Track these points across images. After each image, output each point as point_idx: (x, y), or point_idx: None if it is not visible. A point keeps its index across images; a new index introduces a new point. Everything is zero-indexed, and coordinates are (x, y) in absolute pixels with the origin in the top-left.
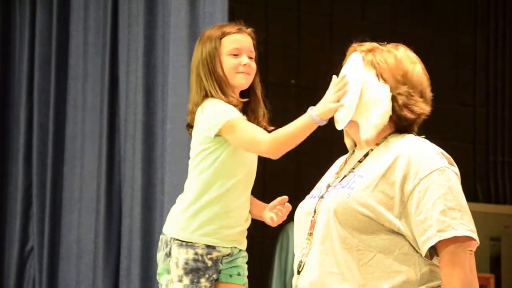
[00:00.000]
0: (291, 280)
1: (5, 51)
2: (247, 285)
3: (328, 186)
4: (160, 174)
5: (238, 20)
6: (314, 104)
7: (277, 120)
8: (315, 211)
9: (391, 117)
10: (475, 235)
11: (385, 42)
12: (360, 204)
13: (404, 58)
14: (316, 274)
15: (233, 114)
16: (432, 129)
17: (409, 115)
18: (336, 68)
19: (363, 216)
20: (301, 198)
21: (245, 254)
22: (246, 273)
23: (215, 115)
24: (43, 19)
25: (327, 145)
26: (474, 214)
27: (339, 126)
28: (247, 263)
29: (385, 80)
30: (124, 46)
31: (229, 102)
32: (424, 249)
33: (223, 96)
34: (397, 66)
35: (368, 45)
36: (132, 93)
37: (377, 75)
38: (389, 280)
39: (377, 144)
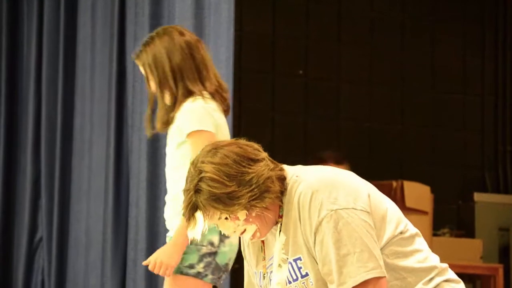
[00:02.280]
0: None
1: (14, 42)
2: None
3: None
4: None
5: (246, 10)
6: (321, 95)
7: (285, 110)
8: None
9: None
10: (375, 272)
11: None
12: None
13: (213, 169)
14: None
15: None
16: (440, 119)
17: (267, 194)
18: (343, 58)
19: None
20: None
21: None
22: None
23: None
24: (51, 10)
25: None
26: (483, 204)
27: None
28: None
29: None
30: (131, 37)
31: None
32: None
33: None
34: (225, 187)
35: None
36: (139, 84)
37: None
38: None
39: (281, 217)
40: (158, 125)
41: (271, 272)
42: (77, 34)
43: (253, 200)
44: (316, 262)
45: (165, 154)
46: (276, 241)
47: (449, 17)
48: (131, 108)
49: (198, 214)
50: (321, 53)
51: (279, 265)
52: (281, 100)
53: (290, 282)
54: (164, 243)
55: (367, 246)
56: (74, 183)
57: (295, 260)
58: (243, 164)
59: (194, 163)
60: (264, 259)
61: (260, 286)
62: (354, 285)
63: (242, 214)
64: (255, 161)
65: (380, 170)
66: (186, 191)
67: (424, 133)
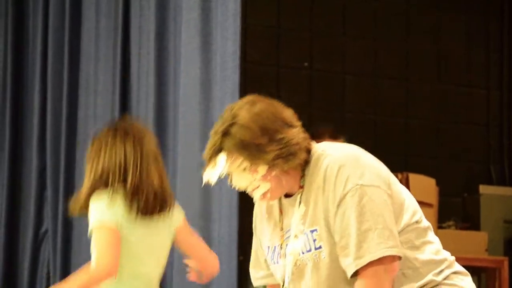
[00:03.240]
0: None
1: (19, 35)
2: None
3: (281, 245)
4: (172, 156)
5: (251, 3)
6: (326, 87)
7: (291, 102)
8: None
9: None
10: (395, 251)
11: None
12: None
13: (249, 117)
14: None
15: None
16: (445, 112)
17: (292, 158)
18: (348, 50)
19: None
20: None
21: None
22: None
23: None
24: (56, 3)
25: None
26: (489, 197)
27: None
28: None
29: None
30: (135, 29)
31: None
32: (348, 272)
33: None
34: (259, 137)
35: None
36: (144, 76)
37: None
38: None
39: (301, 187)
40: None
41: (287, 244)
42: (81, 27)
43: (278, 159)
44: (332, 236)
45: (171, 145)
46: (295, 212)
47: (453, 9)
48: (136, 99)
49: (221, 157)
50: (326, 45)
51: (295, 236)
52: (286, 93)
53: (303, 253)
54: None
55: (388, 224)
56: (79, 175)
57: (311, 232)
58: (278, 123)
59: (230, 108)
60: (282, 230)
61: (272, 260)
62: (371, 260)
63: (262, 169)
64: (289, 125)
65: (385, 163)
66: (214, 132)
67: (429, 125)
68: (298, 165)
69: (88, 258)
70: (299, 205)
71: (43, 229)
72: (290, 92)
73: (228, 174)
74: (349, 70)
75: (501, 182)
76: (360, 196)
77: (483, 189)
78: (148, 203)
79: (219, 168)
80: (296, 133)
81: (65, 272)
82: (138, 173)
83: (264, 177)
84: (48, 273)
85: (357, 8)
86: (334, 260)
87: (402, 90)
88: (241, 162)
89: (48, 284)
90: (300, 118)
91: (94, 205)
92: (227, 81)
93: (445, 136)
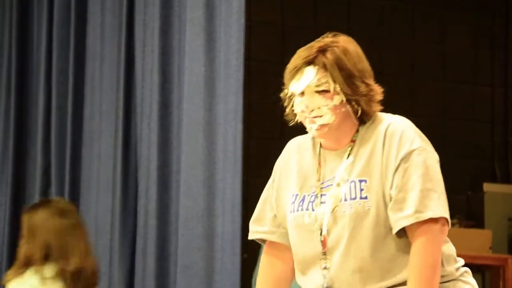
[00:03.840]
0: None
1: (24, 32)
2: None
3: (318, 194)
4: (176, 154)
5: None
6: None
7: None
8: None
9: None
10: (449, 219)
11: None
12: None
13: (355, 52)
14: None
15: None
16: (450, 109)
17: (374, 108)
18: None
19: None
20: None
21: None
22: None
23: None
24: (61, 0)
25: None
26: (493, 195)
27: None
28: None
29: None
30: (140, 26)
31: None
32: (398, 226)
33: None
34: (355, 65)
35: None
36: (148, 73)
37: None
38: None
39: (353, 141)
40: None
41: (324, 194)
42: (87, 24)
43: (360, 96)
44: (382, 190)
45: (175, 143)
46: (344, 162)
47: (459, 7)
48: (140, 97)
49: (310, 69)
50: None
51: (338, 184)
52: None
53: (346, 200)
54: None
55: (444, 192)
56: (84, 172)
57: (360, 181)
58: (369, 71)
59: (331, 34)
60: (319, 181)
61: (300, 207)
62: (431, 217)
63: (337, 100)
64: (373, 79)
65: None
66: (309, 47)
67: (433, 123)
68: (360, 117)
69: None
70: (348, 157)
71: None
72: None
73: (302, 92)
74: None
75: (506, 180)
76: (425, 157)
77: (487, 187)
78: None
79: (305, 81)
80: (377, 87)
81: None
82: (59, 253)
83: (334, 109)
84: None
85: (362, 5)
86: (379, 214)
87: (406, 88)
88: (325, 81)
89: None
90: None
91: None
92: (231, 79)
93: (449, 134)
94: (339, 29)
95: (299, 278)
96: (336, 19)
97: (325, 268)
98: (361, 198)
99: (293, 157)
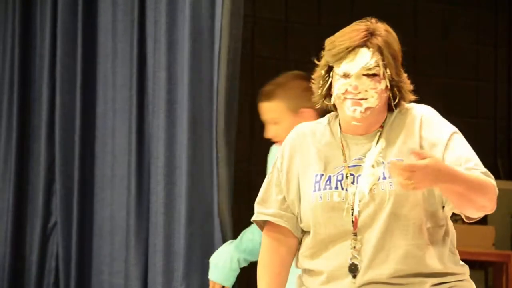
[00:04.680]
0: None
1: (27, 26)
2: None
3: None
4: (180, 151)
5: None
6: None
7: None
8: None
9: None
10: None
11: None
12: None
13: (396, 38)
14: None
15: None
16: (453, 106)
17: (409, 96)
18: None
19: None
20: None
21: None
22: None
23: None
24: None
25: None
26: None
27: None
28: None
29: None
30: (151, 23)
31: None
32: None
33: None
34: (399, 51)
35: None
36: (159, 70)
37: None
38: None
39: (381, 127)
40: None
41: (355, 175)
42: (97, 21)
43: (402, 82)
44: None
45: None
46: (374, 146)
47: (462, 3)
48: (152, 94)
49: (364, 50)
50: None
51: (373, 166)
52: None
53: (385, 178)
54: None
55: None
56: (98, 169)
57: (398, 161)
58: (401, 61)
59: (367, 18)
60: (346, 162)
61: (326, 187)
62: (483, 171)
63: (384, 84)
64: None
65: None
66: (355, 30)
67: None
68: (389, 106)
69: (107, 253)
70: (378, 141)
71: (51, 223)
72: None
73: (348, 74)
74: None
75: (508, 177)
76: (464, 139)
77: None
78: None
79: (360, 62)
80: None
81: (81, 266)
82: None
83: (380, 93)
84: (57, 266)
85: (365, 2)
86: (419, 193)
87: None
88: (377, 65)
89: (56, 278)
90: None
91: None
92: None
93: None
94: (342, 26)
95: (306, 262)
96: (339, 16)
97: (354, 248)
98: None
99: (307, 140)
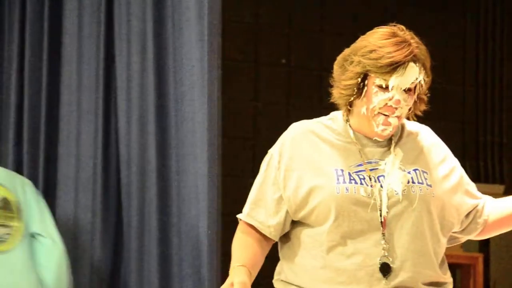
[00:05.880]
0: None
1: None
2: None
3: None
4: (150, 155)
5: None
6: (304, 84)
7: (268, 99)
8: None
9: None
10: None
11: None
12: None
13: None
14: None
15: None
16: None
17: (423, 107)
18: (326, 47)
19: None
20: None
21: None
22: None
23: None
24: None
25: None
26: None
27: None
28: None
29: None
30: (118, 25)
31: None
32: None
33: None
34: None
35: (413, 42)
36: (126, 71)
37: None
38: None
39: (393, 135)
40: None
41: (378, 176)
42: (63, 24)
43: (423, 95)
44: (441, 186)
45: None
46: (394, 152)
47: (431, 7)
48: (120, 95)
49: (413, 65)
50: (304, 42)
51: (400, 168)
52: (264, 90)
53: (414, 182)
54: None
55: None
56: (61, 172)
57: (423, 172)
58: None
59: (397, 26)
60: (364, 161)
61: (351, 181)
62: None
63: (414, 98)
64: None
65: None
66: (402, 41)
67: None
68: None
69: (71, 256)
70: (394, 150)
71: None
72: (268, 89)
73: (391, 87)
74: (327, 67)
75: (476, 180)
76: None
77: None
78: None
79: (411, 78)
80: None
81: None
82: None
83: (410, 105)
84: None
85: (336, 5)
86: (439, 203)
87: None
88: (417, 76)
89: None
90: (278, 115)
91: None
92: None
93: None
94: (313, 28)
95: (321, 258)
96: (310, 19)
97: (383, 249)
98: (427, 184)
99: (312, 138)
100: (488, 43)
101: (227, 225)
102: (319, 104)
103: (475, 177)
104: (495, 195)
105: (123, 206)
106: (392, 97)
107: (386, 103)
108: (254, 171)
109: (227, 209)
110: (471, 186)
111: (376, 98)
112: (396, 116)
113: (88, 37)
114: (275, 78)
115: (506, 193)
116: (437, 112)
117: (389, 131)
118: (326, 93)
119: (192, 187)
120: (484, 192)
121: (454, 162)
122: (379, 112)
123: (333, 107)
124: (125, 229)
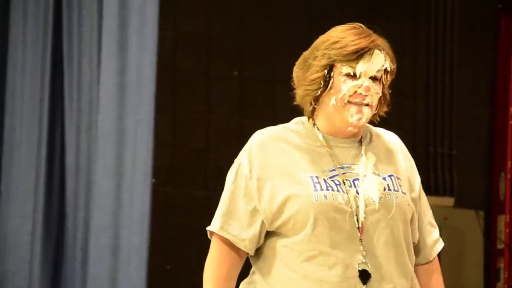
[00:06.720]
0: None
1: None
2: None
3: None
4: (88, 164)
5: (181, 9)
6: (256, 96)
7: (220, 111)
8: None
9: None
10: None
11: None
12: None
13: None
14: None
15: None
16: (375, 121)
17: (385, 108)
18: (280, 60)
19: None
20: None
21: None
22: None
23: None
24: None
25: None
26: None
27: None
28: None
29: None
30: (66, 34)
31: None
32: (434, 251)
33: None
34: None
35: (379, 39)
36: (75, 80)
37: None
38: None
39: (361, 136)
40: None
41: (353, 179)
42: (9, 33)
43: (387, 92)
44: (410, 194)
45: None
46: (365, 156)
47: (383, 17)
48: (68, 104)
49: (379, 52)
50: (257, 54)
51: (375, 173)
52: (217, 101)
53: (390, 190)
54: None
55: None
56: (3, 183)
57: (397, 178)
58: None
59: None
60: (337, 166)
61: (328, 188)
62: (435, 225)
63: (379, 88)
64: None
65: None
66: (361, 32)
67: None
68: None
69: (9, 268)
70: (365, 154)
71: None
72: (220, 101)
73: (359, 75)
74: (280, 79)
75: (427, 191)
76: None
77: None
78: None
79: (377, 64)
80: None
81: None
82: None
83: (380, 96)
84: None
85: (290, 17)
86: (411, 210)
87: None
88: (383, 64)
89: None
90: (230, 127)
91: None
92: (143, 90)
93: None
94: (267, 40)
95: (300, 269)
96: (264, 31)
97: (362, 254)
98: (402, 192)
99: (280, 145)
100: (439, 54)
101: (174, 240)
102: (272, 116)
103: (426, 189)
104: (445, 208)
105: (67, 217)
106: (362, 84)
107: (356, 91)
108: (206, 183)
109: (180, 220)
110: (429, 215)
111: (345, 85)
112: (367, 105)
113: (32, 47)
114: (227, 90)
115: (456, 205)
116: (389, 123)
117: (363, 120)
118: (280, 105)
119: (140, 197)
120: (434, 205)
121: (419, 178)
122: (349, 101)
123: (287, 120)
124: (69, 240)
